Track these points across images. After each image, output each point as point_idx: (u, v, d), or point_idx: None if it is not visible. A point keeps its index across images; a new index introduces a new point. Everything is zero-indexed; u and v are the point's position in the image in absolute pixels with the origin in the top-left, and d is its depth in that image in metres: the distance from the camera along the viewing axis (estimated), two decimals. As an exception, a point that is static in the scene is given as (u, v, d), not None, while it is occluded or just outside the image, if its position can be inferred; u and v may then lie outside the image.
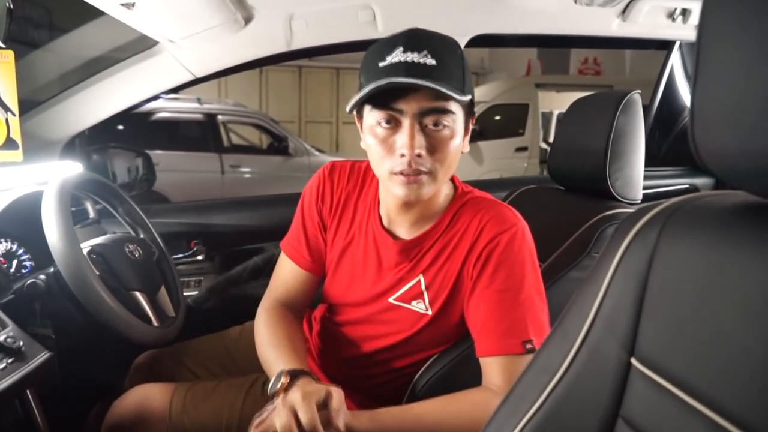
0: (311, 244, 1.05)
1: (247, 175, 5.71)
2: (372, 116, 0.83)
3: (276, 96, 10.95)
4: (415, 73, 0.76)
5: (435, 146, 0.81)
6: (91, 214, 1.42)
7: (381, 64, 0.79)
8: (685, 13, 1.55)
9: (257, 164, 5.91)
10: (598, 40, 1.70)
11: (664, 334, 0.49)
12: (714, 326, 0.45)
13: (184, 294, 1.64)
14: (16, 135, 1.07)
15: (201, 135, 5.71)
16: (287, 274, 1.07)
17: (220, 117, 5.81)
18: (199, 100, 5.74)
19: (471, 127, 0.91)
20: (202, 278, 1.72)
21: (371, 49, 0.85)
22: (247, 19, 1.39)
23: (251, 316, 1.37)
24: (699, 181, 1.86)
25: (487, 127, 6.94)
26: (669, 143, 2.00)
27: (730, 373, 0.42)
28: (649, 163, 1.92)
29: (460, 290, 0.92)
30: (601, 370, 0.54)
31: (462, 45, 1.58)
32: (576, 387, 0.56)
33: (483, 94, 7.44)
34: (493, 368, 0.86)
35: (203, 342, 1.29)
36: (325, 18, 1.48)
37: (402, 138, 0.80)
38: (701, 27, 0.43)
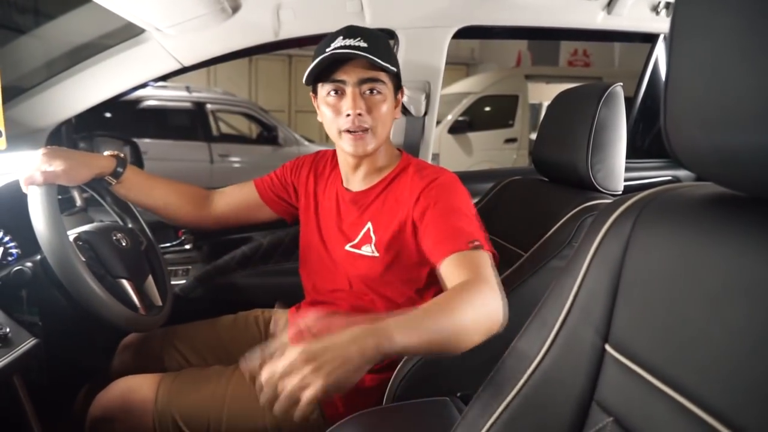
0: (273, 184, 1.29)
1: (236, 165, 5.68)
2: (324, 89, 1.05)
3: (266, 85, 10.84)
4: (351, 54, 0.99)
5: (372, 107, 1.03)
6: (78, 202, 1.41)
7: (327, 49, 1.00)
8: (668, 6, 1.56)
9: (246, 154, 5.87)
10: (584, 33, 1.71)
11: (635, 321, 0.51)
12: (679, 313, 0.46)
13: (172, 283, 1.64)
14: (-1, 123, 1.07)
15: (190, 124, 5.65)
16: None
17: (209, 106, 5.75)
18: (188, 89, 5.68)
19: (401, 99, 1.13)
20: (190, 267, 1.72)
21: (321, 42, 1.05)
22: (235, 8, 1.38)
23: (239, 306, 1.39)
24: (681, 172, 1.88)
25: (476, 118, 6.93)
26: (653, 135, 2.02)
27: (692, 357, 0.44)
28: (633, 155, 1.94)
29: (404, 231, 1.04)
30: (577, 356, 0.56)
31: (449, 36, 1.59)
32: (553, 372, 0.58)
33: (473, 85, 7.42)
34: (451, 268, 0.90)
35: (195, 327, 1.30)
36: (313, 8, 1.47)
37: (347, 102, 1.02)
38: (673, 24, 0.44)
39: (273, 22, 1.47)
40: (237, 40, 1.50)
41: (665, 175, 1.89)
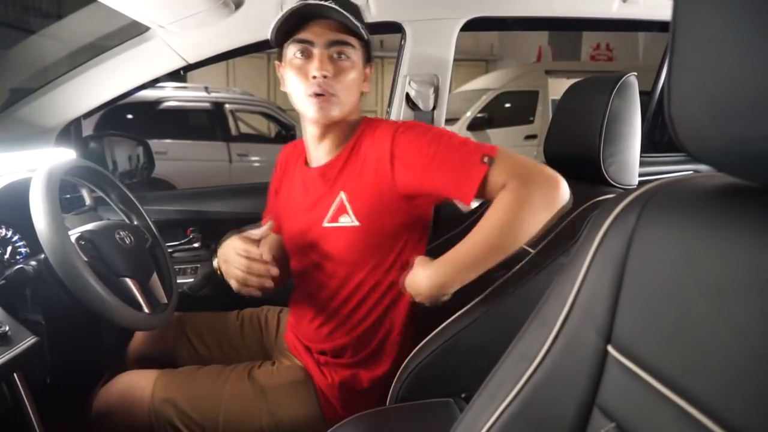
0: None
1: (255, 164, 5.72)
2: (290, 50, 1.00)
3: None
4: (322, 8, 0.95)
5: (339, 71, 0.98)
6: (87, 201, 1.43)
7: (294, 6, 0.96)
8: (687, -7, 1.51)
9: (265, 153, 5.90)
10: (599, 23, 1.65)
11: (639, 321, 0.48)
12: (686, 313, 0.43)
13: (180, 281, 1.64)
14: (-8, 122, 1.08)
15: (209, 124, 5.71)
16: None
17: (227, 105, 5.81)
18: (206, 89, 5.75)
19: (370, 74, 1.08)
20: (198, 266, 1.73)
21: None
22: (238, 4, 1.37)
23: (246, 304, 1.39)
24: (702, 167, 1.82)
25: (496, 114, 6.88)
26: (672, 129, 1.95)
27: (700, 361, 0.41)
28: (652, 149, 1.88)
29: (383, 197, 0.98)
30: (578, 357, 0.53)
31: (457, 28, 1.56)
32: (553, 374, 0.55)
33: (492, 81, 7.37)
34: (488, 190, 0.91)
35: (204, 318, 1.34)
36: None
37: (314, 64, 0.97)
38: (675, 7, 0.41)
39: (277, 16, 1.45)
40: (241, 36, 1.48)
41: (685, 169, 1.83)
